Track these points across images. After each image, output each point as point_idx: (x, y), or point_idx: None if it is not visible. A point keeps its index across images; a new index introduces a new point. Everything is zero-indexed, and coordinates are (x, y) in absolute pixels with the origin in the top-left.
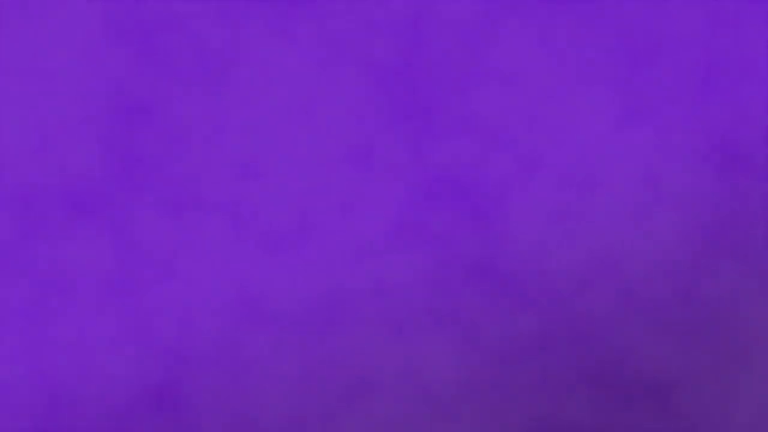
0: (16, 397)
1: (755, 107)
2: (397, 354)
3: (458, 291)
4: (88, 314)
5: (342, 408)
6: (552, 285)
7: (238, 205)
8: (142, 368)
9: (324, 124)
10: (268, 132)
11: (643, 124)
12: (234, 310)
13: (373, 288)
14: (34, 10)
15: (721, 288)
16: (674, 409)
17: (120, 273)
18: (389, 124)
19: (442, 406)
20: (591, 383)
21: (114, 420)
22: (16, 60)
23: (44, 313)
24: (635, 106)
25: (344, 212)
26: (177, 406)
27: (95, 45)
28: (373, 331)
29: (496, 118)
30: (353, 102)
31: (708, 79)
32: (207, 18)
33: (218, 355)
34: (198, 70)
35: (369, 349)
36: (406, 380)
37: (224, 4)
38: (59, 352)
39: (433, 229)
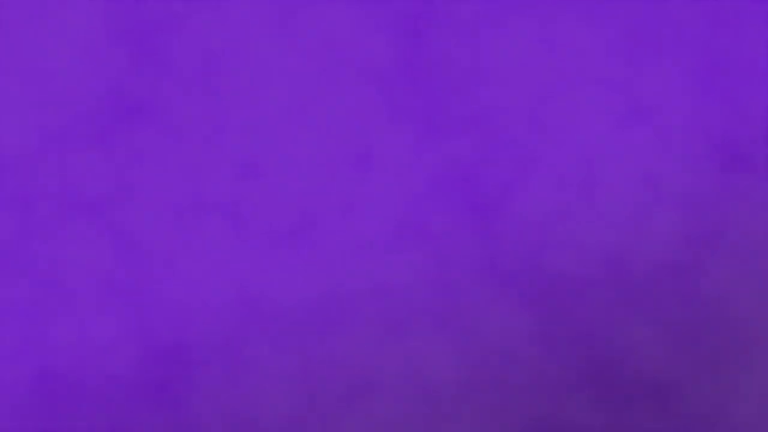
0: (16, 397)
1: (755, 107)
2: (397, 354)
3: (458, 291)
4: (88, 314)
5: (342, 408)
6: (552, 285)
7: (238, 205)
8: (142, 368)
9: (324, 124)
10: (268, 132)
11: (643, 124)
12: (234, 310)
13: (373, 288)
14: (35, 10)
15: (721, 288)
16: (674, 409)
17: (120, 273)
18: (389, 124)
19: (442, 406)
20: (591, 383)
21: (114, 420)
22: (16, 60)
23: (44, 313)
24: (635, 106)
25: (344, 212)
26: (177, 406)
27: (95, 45)
28: (373, 331)
29: (497, 118)
30: (353, 102)
31: (708, 79)
32: (207, 18)
33: (218, 355)
34: (198, 70)
35: (369, 349)
36: (406, 380)
37: (224, 4)
38: (59, 352)
39: (434, 229)
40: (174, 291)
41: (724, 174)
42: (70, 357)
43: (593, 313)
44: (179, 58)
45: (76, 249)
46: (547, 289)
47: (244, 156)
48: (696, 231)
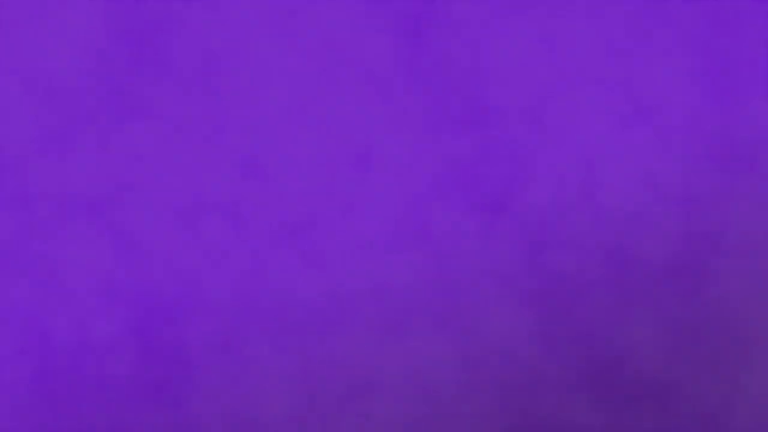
0: (16, 397)
1: (755, 107)
2: (397, 354)
3: (458, 291)
4: (88, 314)
5: (342, 408)
6: (552, 285)
7: (238, 205)
8: (142, 368)
9: (324, 124)
10: (268, 132)
11: (643, 124)
12: (234, 310)
13: (373, 288)
14: (35, 10)
15: (721, 288)
16: (674, 409)
17: (120, 273)
18: (389, 124)
19: (442, 406)
20: (591, 383)
21: (114, 419)
22: (16, 60)
23: (44, 313)
24: (635, 106)
25: (344, 212)
26: (177, 406)
27: (95, 45)
28: (373, 331)
29: (497, 118)
30: (353, 102)
31: (708, 79)
32: (207, 18)
33: (218, 355)
34: (198, 70)
35: (369, 349)
36: (406, 380)
37: (224, 4)
38: (59, 352)
39: (434, 229)
40: (174, 291)
41: (724, 174)
42: (70, 357)
43: (593, 313)
44: (179, 58)
45: (76, 249)
46: (547, 289)
47: (244, 156)
48: (696, 231)
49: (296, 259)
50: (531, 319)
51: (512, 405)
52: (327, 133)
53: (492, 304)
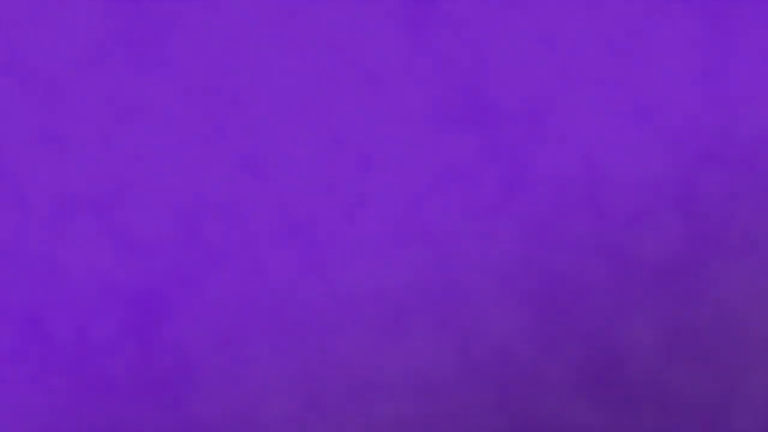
0: (16, 397)
1: (755, 107)
2: (397, 354)
3: (458, 291)
4: (88, 314)
5: (342, 408)
6: (552, 285)
7: (238, 205)
8: (142, 368)
9: (324, 124)
10: (269, 132)
11: (643, 124)
12: (234, 310)
13: (373, 288)
14: (35, 10)
15: (721, 288)
16: (674, 409)
17: (120, 273)
18: (389, 124)
19: (442, 406)
20: (591, 383)
21: (114, 419)
22: (16, 60)
23: (44, 313)
24: (635, 106)
25: (344, 212)
26: (177, 406)
27: (95, 45)
28: (373, 331)
29: (497, 118)
30: (353, 102)
31: (708, 79)
32: (207, 18)
33: (218, 355)
34: (198, 70)
35: (369, 349)
36: (406, 380)
37: (224, 4)
38: (59, 352)
39: (434, 229)
40: (174, 291)
41: (724, 174)
42: (70, 357)
43: (593, 313)
44: (179, 58)
45: (76, 249)
46: (547, 289)
47: (244, 156)
48: (696, 231)
49: (296, 259)
50: (531, 319)
51: (512, 405)
52: (327, 133)
53: (492, 304)
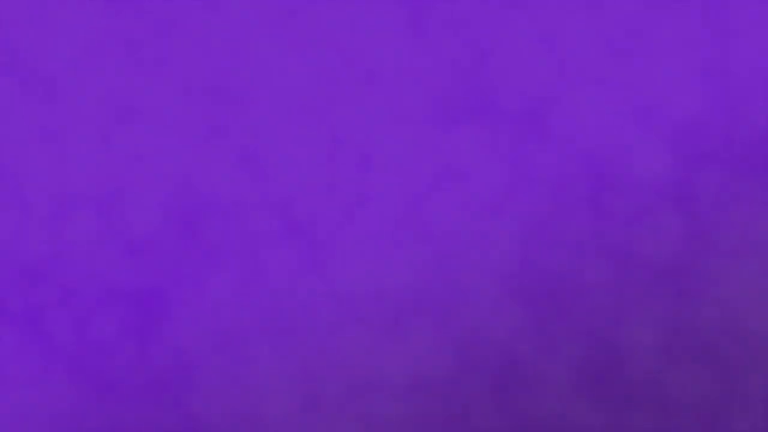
0: (16, 397)
1: (756, 107)
2: (397, 354)
3: (458, 291)
4: (88, 314)
5: (342, 408)
6: (552, 285)
7: (238, 205)
8: (142, 368)
9: (324, 124)
10: (268, 132)
11: (643, 124)
12: (234, 310)
13: (373, 288)
14: (35, 10)
15: (721, 288)
16: (674, 409)
17: (120, 273)
18: (389, 124)
19: (442, 406)
20: (591, 383)
21: (114, 419)
22: (16, 60)
23: (44, 313)
24: (635, 106)
25: (344, 212)
26: (177, 406)
27: (95, 45)
28: (373, 331)
29: (497, 117)
30: (354, 102)
31: (708, 79)
32: (207, 18)
33: (218, 355)
34: (198, 70)
35: (369, 349)
36: (406, 380)
37: (224, 4)
38: (59, 352)
39: (434, 229)
40: (174, 291)
41: (724, 174)
42: (70, 357)
43: (593, 313)
44: (179, 58)
45: (76, 249)
46: (547, 289)
47: (244, 156)
48: (696, 231)
49: (296, 259)
50: (531, 319)
51: (512, 405)
52: (327, 133)
53: (492, 304)
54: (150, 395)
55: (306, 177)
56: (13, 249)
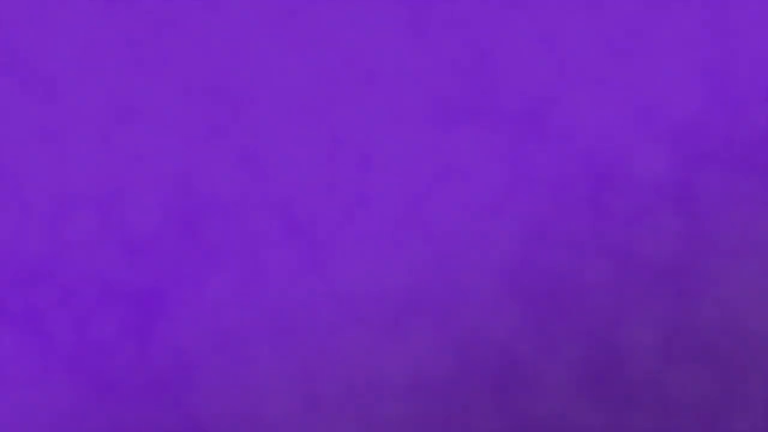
0: (16, 397)
1: (756, 107)
2: (397, 354)
3: (458, 291)
4: (88, 314)
5: (342, 408)
6: (552, 285)
7: (238, 205)
8: (142, 368)
9: (324, 124)
10: (268, 132)
11: (643, 124)
12: (234, 310)
13: (374, 288)
14: (35, 10)
15: (722, 288)
16: (674, 409)
17: (120, 273)
18: (389, 123)
19: (442, 406)
20: (591, 383)
21: (114, 419)
22: (16, 60)
23: (45, 313)
24: (635, 106)
25: (344, 212)
26: (177, 406)
27: (95, 45)
28: (373, 331)
29: (497, 117)
30: (353, 102)
31: (708, 79)
32: (207, 18)
33: (218, 355)
34: (198, 70)
35: (369, 349)
36: (406, 380)
37: (224, 4)
38: (59, 352)
39: (434, 229)
40: (174, 291)
41: (724, 174)
42: (70, 357)
43: (593, 313)
44: (179, 58)
45: (76, 249)
46: (547, 289)
47: (244, 156)
48: (696, 231)
49: (296, 259)
50: (531, 319)
51: (512, 405)
52: (327, 133)
53: (492, 304)
54: (150, 395)
55: (306, 177)
56: (13, 249)
